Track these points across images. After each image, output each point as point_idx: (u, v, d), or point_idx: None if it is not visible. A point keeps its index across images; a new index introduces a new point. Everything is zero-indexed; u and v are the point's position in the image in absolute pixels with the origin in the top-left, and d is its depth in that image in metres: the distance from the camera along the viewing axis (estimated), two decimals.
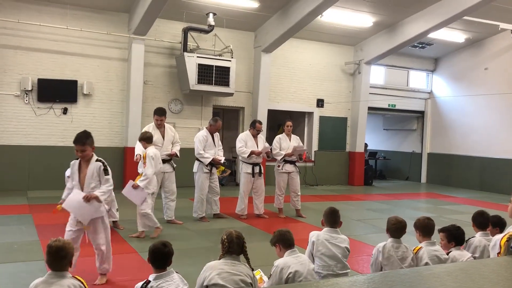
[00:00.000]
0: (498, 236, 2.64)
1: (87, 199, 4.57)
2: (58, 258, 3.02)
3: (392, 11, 11.86)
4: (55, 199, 9.29)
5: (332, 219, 4.34)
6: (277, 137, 8.79)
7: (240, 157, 8.47)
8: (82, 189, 4.67)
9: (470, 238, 4.50)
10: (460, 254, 4.07)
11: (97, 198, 4.62)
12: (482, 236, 4.47)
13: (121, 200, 7.25)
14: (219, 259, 3.46)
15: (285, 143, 8.64)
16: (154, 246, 3.36)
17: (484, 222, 4.55)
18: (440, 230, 4.33)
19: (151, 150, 6.61)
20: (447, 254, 4.13)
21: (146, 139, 6.73)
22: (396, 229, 4.10)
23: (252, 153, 8.15)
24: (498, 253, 2.51)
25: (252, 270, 3.51)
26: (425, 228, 4.19)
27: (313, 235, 4.25)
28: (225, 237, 3.47)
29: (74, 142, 4.60)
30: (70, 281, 3.00)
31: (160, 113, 7.55)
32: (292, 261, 3.61)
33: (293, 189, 8.69)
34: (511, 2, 11.02)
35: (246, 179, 8.29)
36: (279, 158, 8.58)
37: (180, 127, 11.64)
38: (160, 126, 7.53)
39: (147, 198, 6.54)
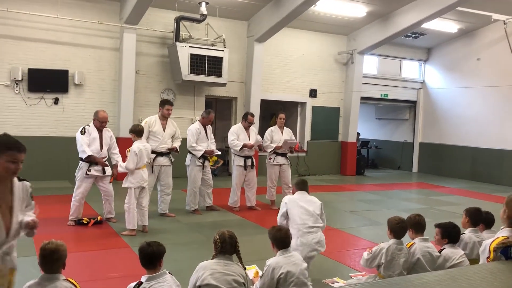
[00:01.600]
0: (488, 241, 2.67)
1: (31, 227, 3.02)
2: (51, 261, 3.01)
3: (386, 1, 11.81)
4: (47, 191, 9.36)
5: (303, 188, 4.93)
6: (269, 129, 8.77)
7: (232, 150, 8.48)
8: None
9: (461, 234, 4.54)
10: (453, 252, 4.12)
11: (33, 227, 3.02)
12: (472, 232, 4.51)
13: (116, 193, 7.22)
14: (212, 259, 3.47)
15: (277, 136, 8.63)
16: (140, 246, 3.36)
17: (479, 220, 4.59)
18: (437, 225, 4.37)
19: (136, 145, 6.47)
20: (440, 251, 4.17)
21: (137, 132, 6.59)
22: (400, 228, 4.14)
23: (244, 146, 8.15)
24: (488, 258, 2.54)
25: (245, 269, 3.53)
26: (417, 225, 4.25)
27: (285, 199, 4.86)
28: (217, 237, 3.48)
29: (16, 149, 2.84)
30: (63, 283, 2.99)
31: (171, 102, 7.77)
32: (284, 261, 3.63)
33: (284, 181, 8.71)
34: None
35: (238, 171, 8.31)
36: (269, 150, 8.58)
37: (172, 117, 11.51)
38: (169, 116, 7.59)
39: (130, 194, 6.44)
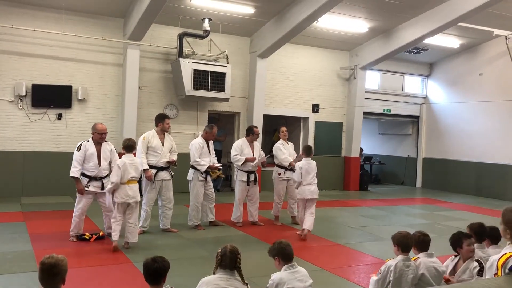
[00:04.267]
0: (495, 257, 2.61)
1: None
2: (51, 276, 2.96)
3: (388, 17, 11.88)
4: (49, 206, 9.35)
5: (308, 152, 7.67)
6: (278, 144, 8.67)
7: (235, 164, 8.43)
8: None
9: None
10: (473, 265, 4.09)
11: None
12: (478, 248, 4.45)
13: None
14: (213, 273, 3.43)
15: (286, 150, 8.61)
16: (145, 261, 3.30)
17: (483, 235, 4.54)
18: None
19: (122, 158, 6.43)
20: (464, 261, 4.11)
21: (126, 147, 6.51)
22: (409, 241, 4.08)
23: (246, 160, 8.12)
24: (495, 274, 2.48)
25: (246, 284, 3.47)
26: (421, 244, 4.19)
27: (299, 164, 7.53)
28: (219, 250, 3.44)
29: None
30: None
31: (168, 116, 7.92)
32: (288, 277, 3.57)
33: (291, 195, 8.64)
34: (505, 9, 11.06)
35: (241, 187, 8.26)
36: (286, 164, 8.47)
37: (175, 133, 11.59)
38: (168, 130, 7.63)
39: (116, 209, 6.40)
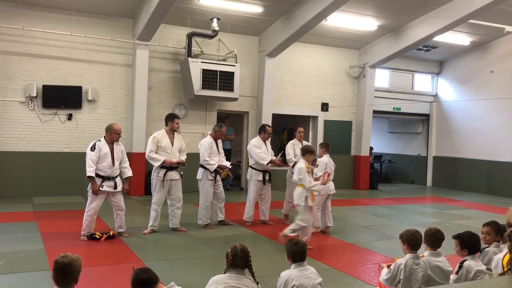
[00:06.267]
0: (499, 256, 2.56)
1: None
2: (64, 275, 2.99)
3: (397, 14, 11.81)
4: (60, 206, 9.43)
5: (327, 148, 8.12)
6: (291, 142, 8.67)
7: (253, 162, 8.34)
8: None
9: (485, 248, 4.41)
10: (476, 264, 4.00)
11: None
12: (496, 247, 4.39)
13: (127, 208, 7.22)
14: (224, 272, 3.43)
15: (298, 149, 8.58)
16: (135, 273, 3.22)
17: (498, 231, 4.49)
18: (454, 237, 4.26)
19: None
20: (462, 263, 4.04)
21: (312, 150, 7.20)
22: (417, 239, 4.03)
23: (271, 162, 8.14)
24: (502, 273, 2.44)
25: (257, 283, 3.48)
26: (433, 239, 4.13)
27: (324, 160, 7.95)
28: (229, 250, 3.44)
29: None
30: None
31: (178, 116, 7.93)
32: (297, 274, 3.57)
33: None
34: None
35: (257, 186, 8.23)
36: (290, 164, 8.46)
37: (184, 132, 11.63)
38: (178, 129, 7.65)
39: None
